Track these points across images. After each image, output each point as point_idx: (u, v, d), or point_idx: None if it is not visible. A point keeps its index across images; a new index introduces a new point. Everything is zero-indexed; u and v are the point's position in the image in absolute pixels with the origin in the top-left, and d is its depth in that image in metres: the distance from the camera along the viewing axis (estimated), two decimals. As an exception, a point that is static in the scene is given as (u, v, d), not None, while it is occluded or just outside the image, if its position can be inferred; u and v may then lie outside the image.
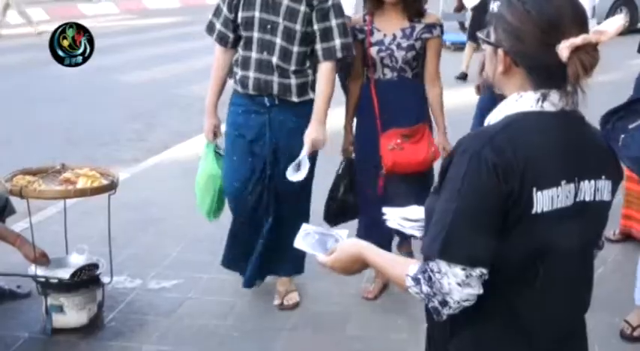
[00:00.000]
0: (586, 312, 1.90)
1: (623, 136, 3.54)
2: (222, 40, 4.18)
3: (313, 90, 4.09)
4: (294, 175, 3.95)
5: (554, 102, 1.72)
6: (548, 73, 1.71)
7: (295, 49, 3.99)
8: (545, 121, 1.72)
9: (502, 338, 1.78)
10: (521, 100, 1.74)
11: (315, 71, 4.10)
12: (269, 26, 3.98)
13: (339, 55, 4.02)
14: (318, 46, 4.01)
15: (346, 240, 2.04)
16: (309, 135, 4.00)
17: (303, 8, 3.95)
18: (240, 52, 4.10)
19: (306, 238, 2.19)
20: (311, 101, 4.08)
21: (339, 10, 4.02)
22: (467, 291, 1.66)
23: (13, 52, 13.40)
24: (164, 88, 10.67)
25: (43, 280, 3.92)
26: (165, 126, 8.86)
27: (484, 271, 1.66)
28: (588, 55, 1.64)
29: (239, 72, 4.12)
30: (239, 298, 4.43)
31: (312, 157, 4.10)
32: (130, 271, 4.67)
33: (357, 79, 4.34)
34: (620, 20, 1.70)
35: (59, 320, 3.92)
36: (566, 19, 1.68)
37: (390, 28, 4.15)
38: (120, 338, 3.96)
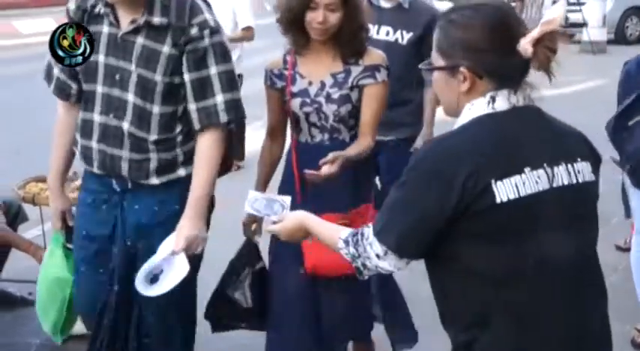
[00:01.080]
0: (605, 305, 1.92)
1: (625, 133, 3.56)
2: (62, 92, 3.02)
3: (185, 165, 2.93)
4: (150, 288, 2.82)
5: (503, 102, 1.81)
6: (510, 73, 1.81)
7: (156, 109, 2.83)
8: (498, 120, 1.80)
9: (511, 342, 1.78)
10: (473, 107, 1.83)
11: (187, 140, 2.92)
12: (117, 76, 2.84)
13: (222, 118, 2.85)
14: (192, 106, 2.84)
15: (292, 212, 2.37)
16: (182, 231, 2.81)
17: (166, 49, 2.78)
18: (81, 112, 2.97)
19: (255, 204, 2.55)
20: (182, 180, 2.92)
21: (221, 52, 2.84)
22: (382, 264, 1.87)
23: (21, 62, 13.49)
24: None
25: (54, 287, 3.93)
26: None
27: (406, 260, 1.86)
28: (550, 39, 1.76)
29: (79, 140, 3.00)
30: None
31: (197, 258, 2.97)
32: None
33: (274, 141, 3.26)
34: (560, 7, 1.82)
35: (70, 327, 3.93)
36: (513, 22, 1.83)
37: (317, 73, 3.06)
38: (131, 345, 3.96)
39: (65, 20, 2.86)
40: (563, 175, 1.80)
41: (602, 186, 1.94)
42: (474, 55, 1.79)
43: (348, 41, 2.99)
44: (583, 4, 15.23)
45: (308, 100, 3.05)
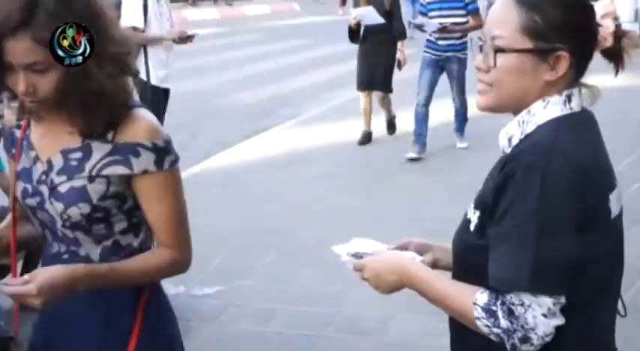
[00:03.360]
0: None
1: None
2: None
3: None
4: None
5: (577, 101, 1.59)
6: (588, 62, 1.61)
7: None
8: (580, 121, 1.59)
9: None
10: (549, 106, 1.57)
11: None
12: None
13: None
14: None
15: (400, 252, 1.80)
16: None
17: None
18: None
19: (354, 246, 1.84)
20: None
21: None
22: (554, 322, 1.47)
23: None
24: (205, 99, 10.80)
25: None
26: (206, 136, 8.97)
27: (564, 298, 1.49)
28: (629, 39, 1.61)
29: None
30: (280, 305, 4.47)
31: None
32: (174, 278, 4.71)
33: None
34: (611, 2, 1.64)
35: (105, 326, 3.98)
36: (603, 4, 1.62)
37: (46, 145, 1.93)
38: (164, 344, 4.02)
39: None
40: (619, 196, 1.64)
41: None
42: (577, 38, 1.56)
43: (81, 109, 1.83)
44: (614, -1, 15.10)
45: (29, 188, 1.94)
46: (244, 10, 26.33)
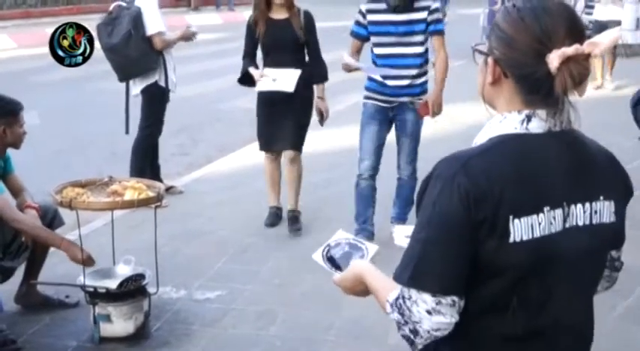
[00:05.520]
0: (589, 336, 1.81)
1: None
2: None
3: None
4: None
5: (539, 123, 1.65)
6: (536, 85, 1.63)
7: None
8: (528, 144, 1.65)
9: None
10: (505, 121, 1.68)
11: None
12: None
13: None
14: None
15: (354, 261, 2.00)
16: None
17: None
18: None
19: (335, 249, 2.12)
20: None
21: None
22: (436, 319, 1.61)
23: (62, 69, 13.67)
24: (207, 104, 10.81)
25: (91, 289, 4.01)
26: (208, 140, 8.98)
27: (455, 299, 1.61)
28: (578, 66, 1.59)
29: None
30: (281, 309, 4.48)
31: None
32: (176, 282, 4.75)
33: None
34: (615, 32, 1.66)
35: (107, 329, 4.00)
36: (561, 31, 1.62)
37: None
38: (166, 347, 4.03)
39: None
40: (579, 215, 1.67)
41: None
42: (503, 49, 1.67)
43: None
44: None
45: None
46: (246, 15, 26.26)
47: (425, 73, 5.24)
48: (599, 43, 1.61)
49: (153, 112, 6.33)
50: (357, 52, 5.26)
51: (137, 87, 6.25)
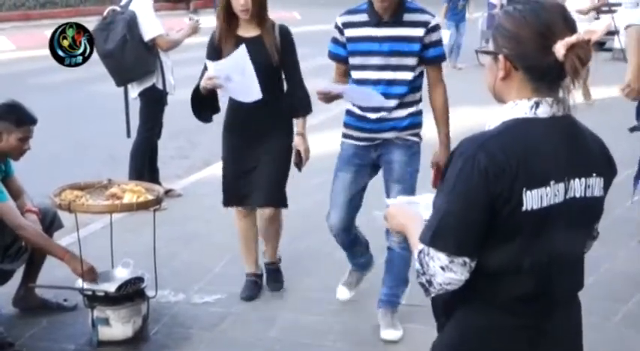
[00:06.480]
0: (579, 290, 2.07)
1: None
2: None
3: None
4: None
5: (546, 109, 1.92)
6: (544, 73, 1.90)
7: None
8: (537, 127, 1.92)
9: (486, 317, 1.96)
10: (516, 107, 1.94)
11: None
12: None
13: None
14: None
15: (411, 209, 2.22)
16: None
17: None
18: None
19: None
20: None
21: None
22: (448, 275, 1.88)
23: (63, 70, 13.67)
24: (206, 106, 10.80)
25: (89, 293, 4.00)
26: (206, 143, 8.95)
27: (467, 259, 1.87)
28: (582, 49, 1.84)
29: None
30: (280, 313, 4.47)
31: None
32: (174, 285, 4.74)
33: None
34: (606, 21, 1.91)
35: (105, 333, 4.00)
36: (559, 25, 1.89)
37: None
38: (164, 351, 4.03)
39: None
40: (577, 188, 1.94)
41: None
42: (511, 45, 1.92)
43: None
44: (614, 11, 15.12)
45: None
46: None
47: (417, 102, 4.09)
48: (595, 30, 1.87)
49: (151, 115, 6.33)
50: (343, 76, 4.17)
51: (135, 90, 6.25)
